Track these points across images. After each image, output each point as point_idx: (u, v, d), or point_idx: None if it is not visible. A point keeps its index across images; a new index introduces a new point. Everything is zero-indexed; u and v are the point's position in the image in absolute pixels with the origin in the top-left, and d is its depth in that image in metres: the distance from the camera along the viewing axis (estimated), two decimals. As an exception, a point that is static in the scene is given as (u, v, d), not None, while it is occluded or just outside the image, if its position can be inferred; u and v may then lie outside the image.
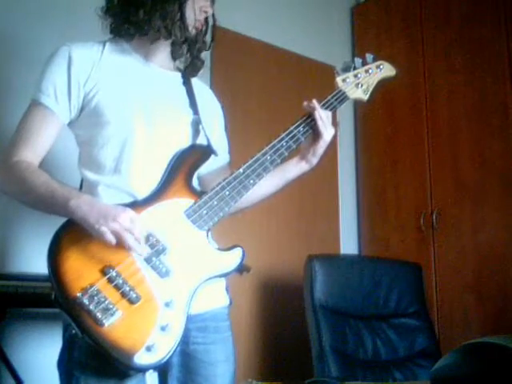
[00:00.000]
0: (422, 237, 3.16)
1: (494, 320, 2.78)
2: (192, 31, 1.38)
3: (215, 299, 1.37)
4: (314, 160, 1.45)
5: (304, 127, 1.39)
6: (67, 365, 1.22)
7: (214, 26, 1.45)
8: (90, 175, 1.32)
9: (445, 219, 3.08)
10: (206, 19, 1.43)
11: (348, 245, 3.47)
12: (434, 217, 3.12)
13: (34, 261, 2.14)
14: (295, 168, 1.46)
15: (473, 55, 3.07)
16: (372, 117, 3.48)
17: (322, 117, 1.39)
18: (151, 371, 1.17)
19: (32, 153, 1.30)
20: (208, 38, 1.45)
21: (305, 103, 1.41)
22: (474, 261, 2.94)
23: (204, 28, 1.42)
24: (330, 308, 2.43)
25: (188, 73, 1.47)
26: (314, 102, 1.41)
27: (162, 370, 1.29)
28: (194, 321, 1.28)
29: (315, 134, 1.41)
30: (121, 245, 1.16)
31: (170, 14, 1.34)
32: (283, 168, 1.45)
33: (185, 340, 1.27)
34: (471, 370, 1.20)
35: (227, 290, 1.43)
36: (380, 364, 2.44)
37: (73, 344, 1.21)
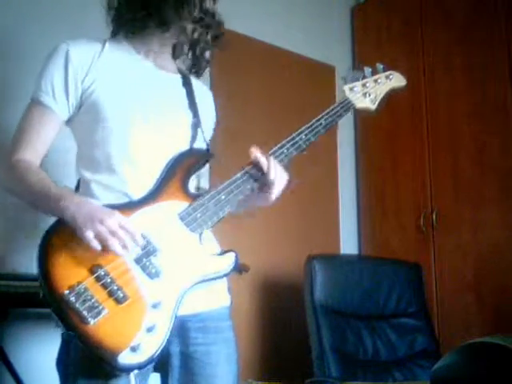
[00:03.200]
0: (422, 237, 3.16)
1: (494, 320, 2.78)
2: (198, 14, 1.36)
3: (214, 299, 1.36)
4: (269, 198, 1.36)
5: (306, 135, 1.37)
6: (64, 364, 1.23)
7: (219, 25, 1.44)
8: (86, 173, 1.32)
9: (445, 219, 3.09)
10: (213, 17, 1.42)
11: (348, 245, 3.47)
12: (434, 217, 3.12)
13: (34, 261, 2.14)
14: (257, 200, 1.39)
15: (473, 55, 3.07)
16: (372, 117, 3.46)
17: (271, 166, 1.30)
18: (136, 371, 1.16)
19: (32, 152, 1.30)
20: (209, 37, 1.43)
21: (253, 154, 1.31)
22: (473, 261, 2.94)
23: (210, 23, 1.41)
24: (329, 308, 2.43)
25: (193, 73, 1.46)
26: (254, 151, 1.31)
27: (163, 371, 1.29)
28: (193, 321, 1.28)
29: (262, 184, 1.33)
30: (106, 249, 1.15)
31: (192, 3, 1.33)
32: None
33: (184, 341, 1.27)
34: (471, 370, 1.21)
35: (229, 290, 1.42)
36: (380, 364, 2.45)
37: (69, 343, 1.20)
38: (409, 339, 2.53)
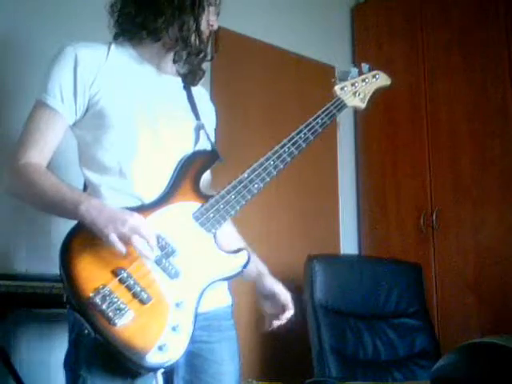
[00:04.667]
0: (422, 237, 3.16)
1: (494, 320, 2.78)
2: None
3: (218, 299, 1.38)
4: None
5: (305, 134, 1.41)
6: (74, 365, 1.23)
7: (216, 38, 1.48)
8: (93, 176, 1.32)
9: (445, 219, 3.09)
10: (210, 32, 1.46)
11: (348, 245, 3.47)
12: (434, 217, 3.12)
13: (34, 261, 2.14)
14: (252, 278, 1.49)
15: (473, 55, 3.07)
16: (372, 117, 3.47)
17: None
18: (162, 370, 1.18)
19: (39, 155, 1.30)
20: (209, 48, 1.47)
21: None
22: (473, 261, 2.94)
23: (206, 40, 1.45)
24: (330, 308, 2.43)
25: (188, 81, 1.48)
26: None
27: (168, 370, 1.30)
28: (198, 320, 1.28)
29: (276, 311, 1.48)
30: (130, 249, 1.17)
31: (187, 25, 1.36)
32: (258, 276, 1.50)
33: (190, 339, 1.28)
34: (471, 370, 1.21)
35: (229, 289, 1.44)
36: (380, 364, 2.45)
37: (79, 344, 1.21)
38: (409, 339, 2.53)
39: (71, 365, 1.24)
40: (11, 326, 2.10)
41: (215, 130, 1.58)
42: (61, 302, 1.18)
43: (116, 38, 1.41)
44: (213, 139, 1.47)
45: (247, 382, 2.17)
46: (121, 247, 1.15)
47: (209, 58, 1.47)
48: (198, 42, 1.38)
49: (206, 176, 1.49)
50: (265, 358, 2.94)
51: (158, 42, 1.38)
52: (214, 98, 1.62)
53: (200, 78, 1.50)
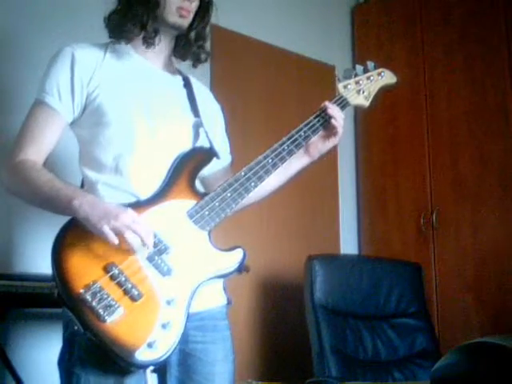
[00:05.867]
0: (422, 237, 3.16)
1: (494, 320, 2.78)
2: (173, 20, 1.37)
3: (213, 298, 1.38)
4: (317, 155, 1.49)
5: (305, 132, 1.41)
6: (68, 363, 1.23)
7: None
8: (91, 174, 1.33)
9: (445, 219, 3.09)
10: (205, 7, 1.44)
11: (348, 245, 3.47)
12: (434, 217, 3.12)
13: (34, 261, 2.14)
14: (298, 162, 1.49)
15: (473, 55, 3.08)
16: (372, 117, 3.47)
17: (337, 116, 1.43)
18: (152, 368, 1.18)
19: (37, 152, 1.31)
20: (208, 28, 1.46)
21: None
22: (473, 261, 2.94)
23: (201, 17, 1.44)
24: (329, 308, 2.43)
25: (192, 64, 1.48)
26: (326, 102, 1.44)
27: (161, 369, 1.30)
28: (192, 319, 1.28)
29: (326, 133, 1.45)
30: (123, 244, 1.17)
31: (144, 13, 1.36)
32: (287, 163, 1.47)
33: (184, 339, 1.28)
34: (471, 370, 1.21)
35: (225, 289, 1.43)
36: (380, 364, 2.45)
37: (73, 342, 1.21)
38: (409, 339, 2.53)
39: (65, 362, 1.24)
40: (10, 326, 2.10)
41: (226, 130, 1.59)
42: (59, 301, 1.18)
43: (110, 36, 1.41)
44: (213, 136, 1.46)
45: (247, 383, 2.17)
46: (113, 238, 1.15)
47: (204, 38, 1.46)
48: (154, 23, 1.37)
49: (226, 165, 1.51)
50: (265, 357, 2.94)
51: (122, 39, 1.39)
52: (214, 97, 1.62)
53: (200, 60, 1.48)
